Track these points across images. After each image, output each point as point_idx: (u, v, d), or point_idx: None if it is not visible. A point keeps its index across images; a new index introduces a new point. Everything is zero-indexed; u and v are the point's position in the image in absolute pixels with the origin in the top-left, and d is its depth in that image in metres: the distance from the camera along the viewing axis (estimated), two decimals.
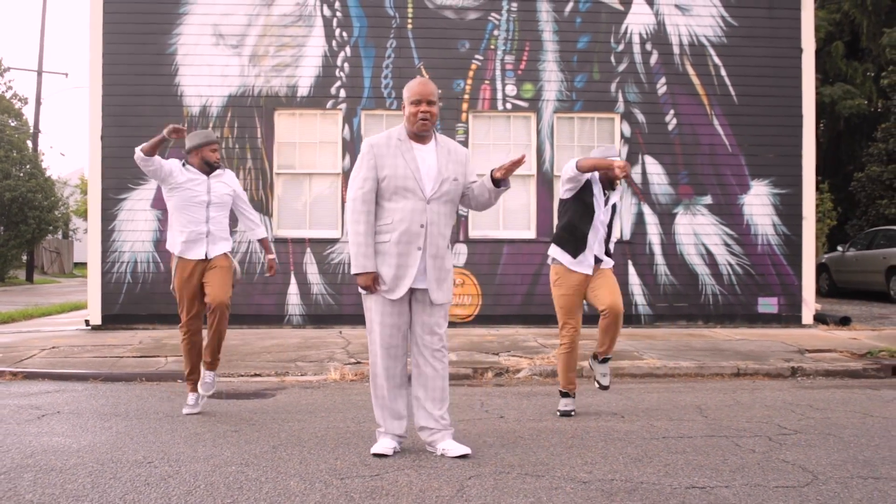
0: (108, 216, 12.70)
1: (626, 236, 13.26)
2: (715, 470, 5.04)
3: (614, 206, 6.98)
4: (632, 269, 13.24)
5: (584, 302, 7.06)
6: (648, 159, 13.31)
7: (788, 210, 13.47)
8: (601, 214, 6.83)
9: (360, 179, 5.38)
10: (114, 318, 12.70)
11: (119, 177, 12.68)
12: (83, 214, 47.87)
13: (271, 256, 7.44)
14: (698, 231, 13.32)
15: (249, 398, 7.80)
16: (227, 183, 7.16)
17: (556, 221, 13.07)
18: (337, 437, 5.97)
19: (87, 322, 12.83)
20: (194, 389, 7.09)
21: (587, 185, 6.83)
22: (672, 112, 13.39)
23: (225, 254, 7.07)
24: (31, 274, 34.72)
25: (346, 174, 12.98)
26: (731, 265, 13.39)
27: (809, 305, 13.50)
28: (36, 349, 10.63)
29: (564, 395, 7.04)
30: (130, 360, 9.84)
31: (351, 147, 13.01)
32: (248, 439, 5.86)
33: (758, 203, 13.44)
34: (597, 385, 7.22)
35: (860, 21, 27.23)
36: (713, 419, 6.77)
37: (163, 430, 6.16)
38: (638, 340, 11.54)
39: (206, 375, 7.03)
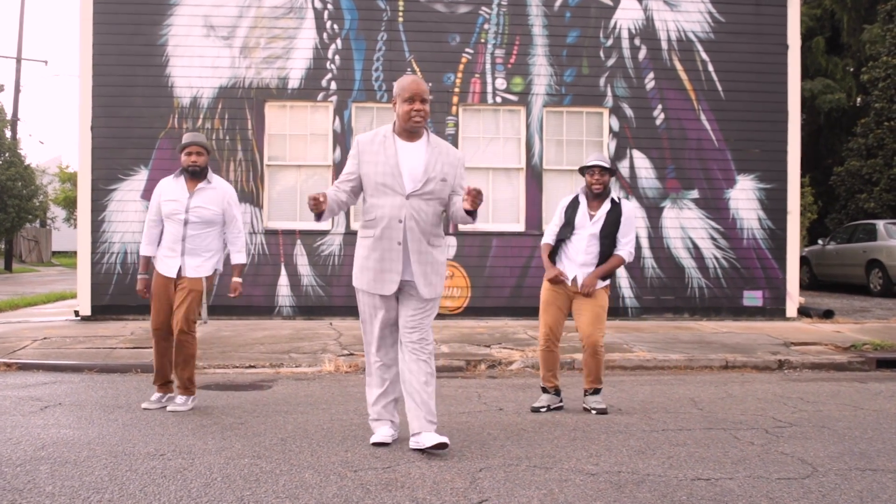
0: (98, 207, 12.68)
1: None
2: (717, 462, 5.17)
3: (611, 216, 6.85)
4: None
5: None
6: (636, 153, 13.44)
7: (773, 205, 13.64)
8: (587, 227, 6.86)
9: (343, 174, 5.61)
10: (103, 309, 12.69)
11: (109, 167, 12.67)
12: (62, 203, 47.62)
13: (237, 279, 7.06)
14: (685, 225, 13.47)
15: (247, 390, 7.85)
16: (213, 199, 6.86)
17: (544, 215, 13.25)
18: (343, 429, 6.05)
19: (76, 313, 12.81)
20: (160, 389, 6.97)
21: (573, 206, 6.96)
22: (660, 107, 13.52)
23: (201, 280, 6.84)
24: (10, 262, 34.48)
25: (336, 166, 13.03)
26: (717, 259, 13.55)
27: (794, 299, 13.69)
28: (28, 340, 10.62)
29: (544, 389, 7.09)
30: (124, 352, 9.86)
31: (341, 139, 13.05)
32: (256, 432, 5.93)
33: (743, 197, 13.61)
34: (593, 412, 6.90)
35: (840, 17, 27.52)
36: (709, 412, 6.90)
37: (169, 423, 6.22)
38: (626, 333, 11.68)
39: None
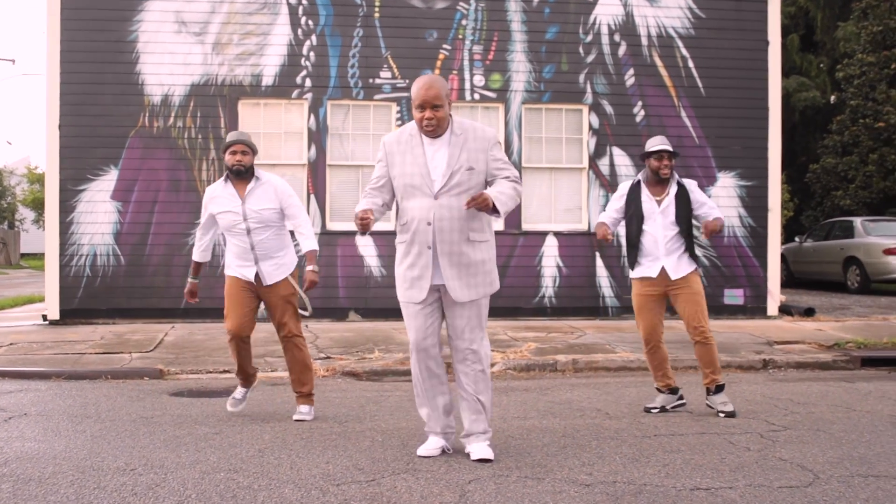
0: (67, 208, 12.31)
1: (594, 228, 13.19)
2: (715, 470, 4.97)
3: (680, 198, 6.75)
4: (599, 261, 13.20)
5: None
6: (616, 151, 13.27)
7: (754, 202, 13.52)
8: (656, 217, 6.72)
9: (374, 176, 5.35)
10: (72, 313, 12.33)
11: (78, 167, 12.31)
12: (30, 204, 46.92)
13: (311, 268, 6.55)
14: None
15: (222, 396, 7.59)
16: (266, 198, 6.44)
17: (523, 213, 13.05)
18: (323, 438, 5.80)
19: (44, 317, 12.45)
20: (243, 385, 6.81)
21: (634, 195, 6.81)
22: (640, 103, 13.35)
23: (287, 279, 6.56)
24: None
25: (311, 165, 12.76)
26: (697, 257, 13.37)
27: (775, 297, 13.58)
28: None
29: (658, 390, 7.01)
30: (93, 357, 9.55)
31: (317, 137, 12.78)
32: (232, 442, 5.66)
33: (724, 195, 13.46)
34: (721, 415, 6.70)
35: (814, 14, 27.57)
36: (699, 415, 6.72)
37: (140, 434, 5.93)
38: (608, 333, 11.52)
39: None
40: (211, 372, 8.91)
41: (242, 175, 6.45)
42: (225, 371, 8.88)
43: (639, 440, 5.77)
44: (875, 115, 23.11)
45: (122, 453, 5.32)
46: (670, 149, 6.77)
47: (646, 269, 6.82)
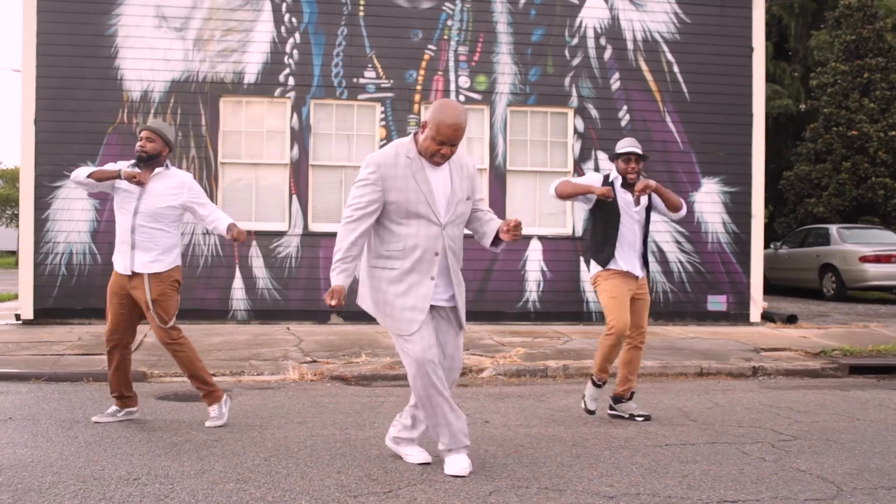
0: (42, 205, 12.00)
1: (579, 233, 13.13)
2: (736, 481, 4.86)
3: (649, 209, 6.76)
4: (583, 266, 13.10)
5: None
6: (601, 155, 13.18)
7: (738, 208, 13.50)
8: (632, 216, 6.61)
9: (363, 200, 4.84)
10: (47, 313, 12.01)
11: (54, 163, 11.98)
12: (3, 201, 46.01)
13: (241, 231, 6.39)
14: (649, 228, 13.22)
15: None
16: (168, 192, 6.20)
17: (508, 215, 12.91)
18: (328, 446, 5.60)
19: (17, 316, 12.12)
20: (117, 404, 6.40)
21: (610, 185, 6.63)
22: (625, 108, 13.28)
23: (145, 276, 6.16)
24: None
25: (293, 165, 12.54)
26: (681, 263, 13.36)
27: (758, 303, 13.57)
28: None
29: (594, 383, 6.69)
30: (73, 359, 9.27)
31: (299, 137, 12.56)
32: (235, 450, 5.44)
33: (708, 201, 13.44)
34: (638, 419, 6.73)
35: (788, 23, 27.75)
36: (704, 424, 6.61)
37: (136, 440, 5.70)
38: (593, 338, 11.39)
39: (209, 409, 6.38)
40: None
41: (144, 161, 6.17)
42: (211, 375, 8.62)
43: (651, 450, 5.65)
44: (848, 124, 23.28)
45: (122, 461, 5.10)
46: (639, 151, 6.62)
47: (629, 265, 6.62)
